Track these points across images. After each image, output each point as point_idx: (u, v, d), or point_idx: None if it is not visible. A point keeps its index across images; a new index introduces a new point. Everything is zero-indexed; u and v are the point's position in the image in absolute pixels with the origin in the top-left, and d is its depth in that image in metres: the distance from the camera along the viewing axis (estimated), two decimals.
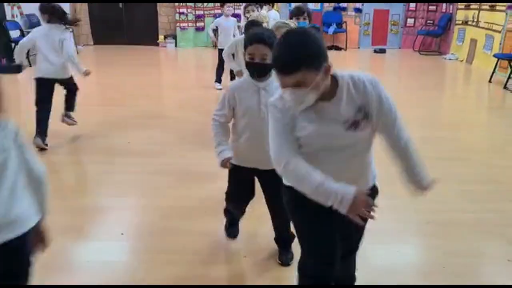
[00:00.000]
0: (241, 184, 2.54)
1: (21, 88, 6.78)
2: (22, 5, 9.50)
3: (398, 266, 2.64)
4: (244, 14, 5.59)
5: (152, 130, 5.06)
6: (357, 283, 2.21)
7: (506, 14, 8.66)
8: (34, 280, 1.70)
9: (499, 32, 8.88)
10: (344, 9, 12.51)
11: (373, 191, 1.85)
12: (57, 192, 3.54)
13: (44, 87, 4.31)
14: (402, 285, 2.51)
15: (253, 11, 5.46)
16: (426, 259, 2.76)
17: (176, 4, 11.82)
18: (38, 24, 9.96)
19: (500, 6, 8.90)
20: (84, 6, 12.06)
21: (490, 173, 4.00)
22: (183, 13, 11.95)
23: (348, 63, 11.08)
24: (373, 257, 2.72)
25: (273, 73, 1.64)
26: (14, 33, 8.89)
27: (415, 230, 3.05)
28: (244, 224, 2.84)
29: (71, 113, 4.75)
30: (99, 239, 2.89)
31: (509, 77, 7.61)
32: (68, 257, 2.71)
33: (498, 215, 3.24)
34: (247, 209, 2.73)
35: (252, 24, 3.68)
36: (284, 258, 2.59)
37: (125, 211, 3.25)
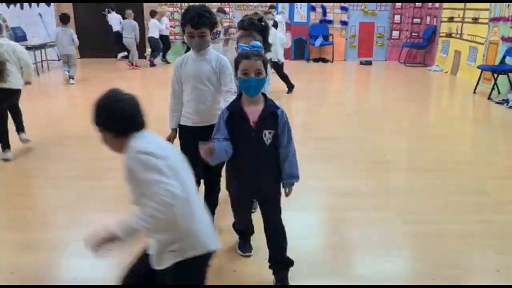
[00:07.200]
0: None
1: None
2: (7, 18, 9.44)
3: (387, 278, 2.63)
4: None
5: None
6: None
7: (489, 26, 8.82)
8: None
9: (482, 44, 9.05)
10: (330, 22, 12.66)
11: None
12: (43, 208, 3.50)
13: None
14: (402, 285, 2.53)
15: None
16: (415, 271, 2.76)
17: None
18: (23, 37, 9.94)
19: (483, 18, 9.08)
20: (70, 20, 12.00)
21: (476, 184, 4.04)
22: (171, 26, 12.01)
23: (335, 75, 11.18)
24: (362, 269, 2.73)
25: None
26: None
27: (403, 242, 3.06)
28: (229, 238, 2.82)
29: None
30: (86, 255, 2.83)
31: (493, 88, 7.74)
32: (55, 273, 2.67)
33: (484, 226, 3.27)
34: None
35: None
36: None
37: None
